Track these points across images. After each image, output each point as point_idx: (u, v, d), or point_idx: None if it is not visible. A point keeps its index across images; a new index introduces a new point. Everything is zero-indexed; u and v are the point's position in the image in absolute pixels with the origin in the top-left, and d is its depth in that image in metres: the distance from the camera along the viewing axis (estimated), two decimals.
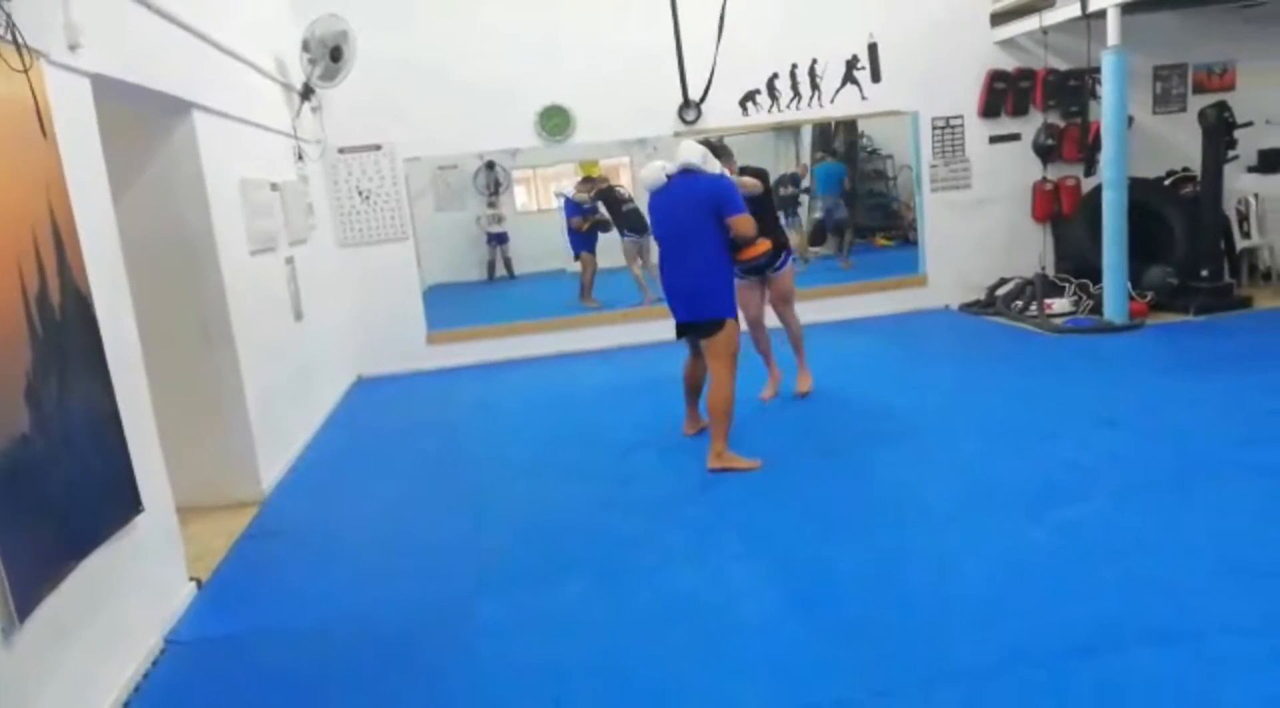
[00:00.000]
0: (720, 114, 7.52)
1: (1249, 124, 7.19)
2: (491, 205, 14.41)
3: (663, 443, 4.87)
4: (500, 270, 14.54)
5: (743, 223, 4.29)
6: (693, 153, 4.33)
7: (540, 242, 14.41)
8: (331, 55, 6.00)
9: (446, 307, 10.04)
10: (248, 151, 5.04)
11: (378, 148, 7.16)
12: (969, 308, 7.88)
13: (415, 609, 3.17)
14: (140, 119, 4.03)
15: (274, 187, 5.38)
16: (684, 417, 4.91)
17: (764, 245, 4.67)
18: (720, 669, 2.58)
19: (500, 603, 3.14)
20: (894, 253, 11.15)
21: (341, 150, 7.13)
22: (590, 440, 5.06)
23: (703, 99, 7.41)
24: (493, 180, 14.42)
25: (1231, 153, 7.17)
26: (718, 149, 4.67)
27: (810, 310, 7.27)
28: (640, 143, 12.12)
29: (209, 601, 3.41)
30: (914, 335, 7.20)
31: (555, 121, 7.36)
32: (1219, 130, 6.87)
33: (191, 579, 3.45)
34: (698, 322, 4.38)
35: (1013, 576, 3.00)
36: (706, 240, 4.28)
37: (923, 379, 5.69)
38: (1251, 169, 7.80)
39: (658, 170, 4.40)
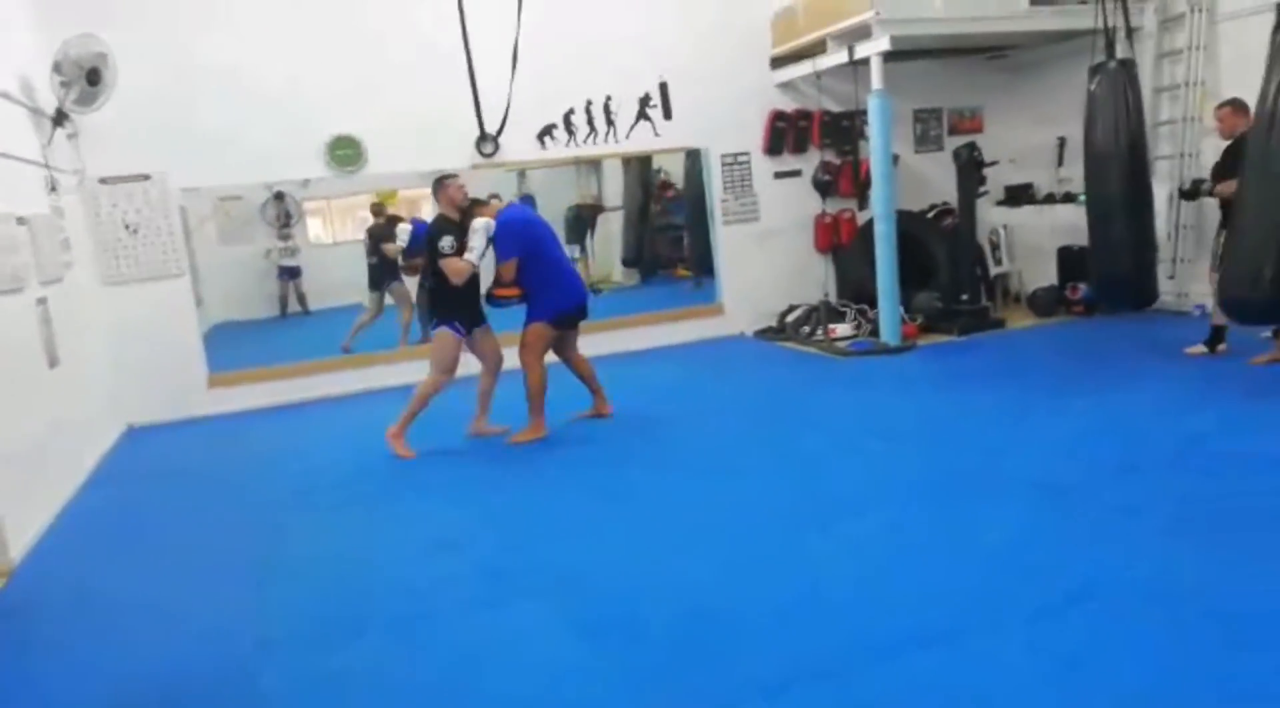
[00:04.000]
0: (518, 148, 7.54)
1: (995, 163, 8.01)
2: (285, 238, 13.68)
3: (449, 481, 4.82)
4: (294, 305, 13.84)
5: None
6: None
7: (336, 274, 13.84)
8: (88, 78, 5.51)
9: (233, 346, 9.38)
10: None
11: (146, 178, 6.62)
12: (762, 334, 8.27)
13: (190, 678, 2.90)
14: None
15: (20, 220, 4.86)
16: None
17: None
18: None
19: (285, 665, 2.93)
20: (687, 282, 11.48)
21: (104, 180, 6.54)
22: (379, 484, 4.87)
23: (499, 132, 7.40)
24: (283, 212, 13.70)
25: (982, 188, 7.95)
26: (479, 201, 5.44)
27: (609, 341, 7.39)
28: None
29: None
30: (708, 362, 7.44)
31: (345, 152, 7.11)
32: (970, 168, 7.60)
33: None
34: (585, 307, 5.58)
35: (802, 589, 3.13)
36: None
37: (711, 405, 5.87)
38: (1000, 203, 8.68)
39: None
